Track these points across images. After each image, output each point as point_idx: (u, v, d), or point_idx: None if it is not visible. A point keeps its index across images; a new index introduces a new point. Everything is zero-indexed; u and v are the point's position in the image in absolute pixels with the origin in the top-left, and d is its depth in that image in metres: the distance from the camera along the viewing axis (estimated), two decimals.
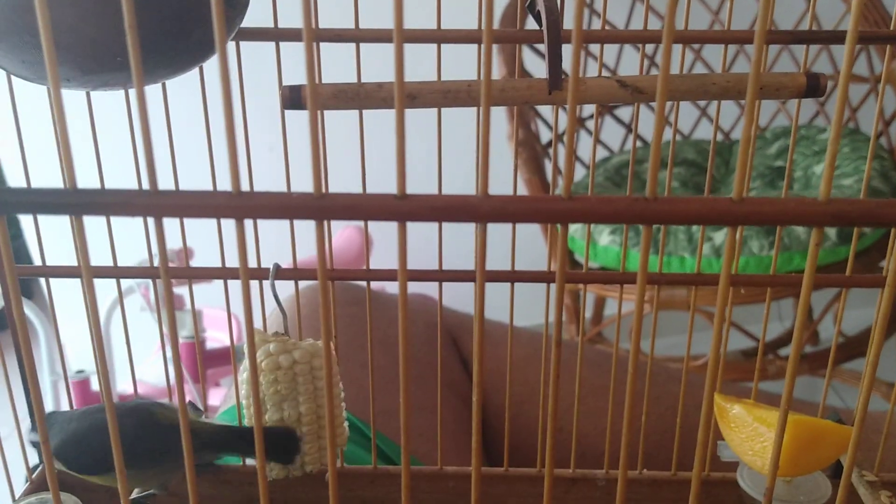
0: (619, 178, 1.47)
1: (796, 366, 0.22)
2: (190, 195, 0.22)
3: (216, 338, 1.72)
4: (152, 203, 0.22)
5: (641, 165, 1.49)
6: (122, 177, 0.40)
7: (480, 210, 0.22)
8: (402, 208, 0.22)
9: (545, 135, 1.55)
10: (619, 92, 0.31)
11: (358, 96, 0.36)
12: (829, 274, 0.46)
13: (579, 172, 1.62)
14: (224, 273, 0.47)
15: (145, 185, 0.23)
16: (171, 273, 0.48)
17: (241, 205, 0.22)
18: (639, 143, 1.61)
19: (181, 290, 1.58)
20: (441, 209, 0.22)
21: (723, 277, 0.21)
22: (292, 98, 0.36)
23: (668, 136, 1.61)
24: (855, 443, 0.27)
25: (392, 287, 1.39)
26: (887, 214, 0.21)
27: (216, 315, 1.67)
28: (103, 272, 0.47)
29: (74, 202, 0.22)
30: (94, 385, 1.55)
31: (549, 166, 1.50)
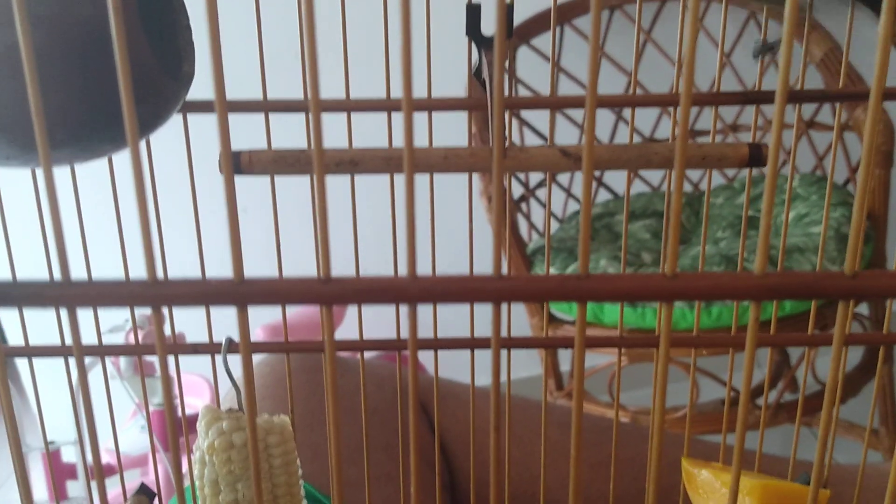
0: (591, 231, 1.48)
1: (742, 450, 0.21)
2: (103, 284, 0.21)
3: (190, 404, 1.69)
4: (64, 294, 0.21)
5: (614, 217, 1.50)
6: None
7: (408, 292, 0.21)
8: (326, 292, 0.21)
9: (517, 189, 1.55)
10: (561, 161, 0.30)
11: (298, 162, 0.36)
12: (791, 334, 0.46)
13: (552, 225, 1.62)
14: (175, 349, 0.46)
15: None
16: (117, 350, 0.46)
17: (157, 293, 0.21)
18: (609, 196, 1.62)
19: (153, 357, 1.56)
20: (367, 292, 0.21)
21: (660, 364, 0.20)
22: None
23: (636, 189, 1.62)
24: None
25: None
26: (825, 287, 0.20)
27: (189, 380, 1.64)
28: (27, 351, 0.46)
29: None
30: (66, 456, 1.51)
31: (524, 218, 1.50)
